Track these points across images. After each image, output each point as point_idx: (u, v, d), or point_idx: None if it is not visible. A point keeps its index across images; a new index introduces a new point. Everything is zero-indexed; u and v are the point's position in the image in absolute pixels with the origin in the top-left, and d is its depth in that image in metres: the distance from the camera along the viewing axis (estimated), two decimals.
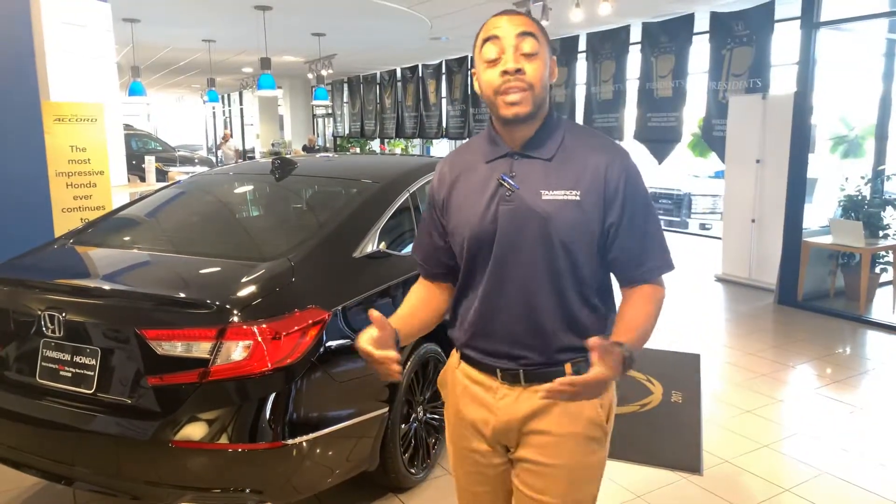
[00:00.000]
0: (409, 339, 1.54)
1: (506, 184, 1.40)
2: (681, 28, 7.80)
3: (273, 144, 17.61)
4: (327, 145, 17.77)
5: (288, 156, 3.70)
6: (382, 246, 2.78)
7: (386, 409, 2.56)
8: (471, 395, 1.51)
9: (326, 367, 2.32)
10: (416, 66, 13.00)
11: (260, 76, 8.39)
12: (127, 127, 13.83)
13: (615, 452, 3.13)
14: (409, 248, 3.01)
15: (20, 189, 5.38)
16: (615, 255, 1.41)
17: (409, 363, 2.74)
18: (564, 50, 9.60)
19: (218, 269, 2.47)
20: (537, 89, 1.35)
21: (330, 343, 2.32)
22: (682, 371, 4.35)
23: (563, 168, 1.39)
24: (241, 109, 21.51)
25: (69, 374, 2.26)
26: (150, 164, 7.79)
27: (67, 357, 2.27)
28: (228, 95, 22.27)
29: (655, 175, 11.66)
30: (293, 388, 2.19)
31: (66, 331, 2.25)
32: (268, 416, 2.14)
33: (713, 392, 4.01)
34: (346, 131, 16.37)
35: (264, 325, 2.13)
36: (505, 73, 1.33)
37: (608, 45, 8.85)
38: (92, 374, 2.22)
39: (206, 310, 2.13)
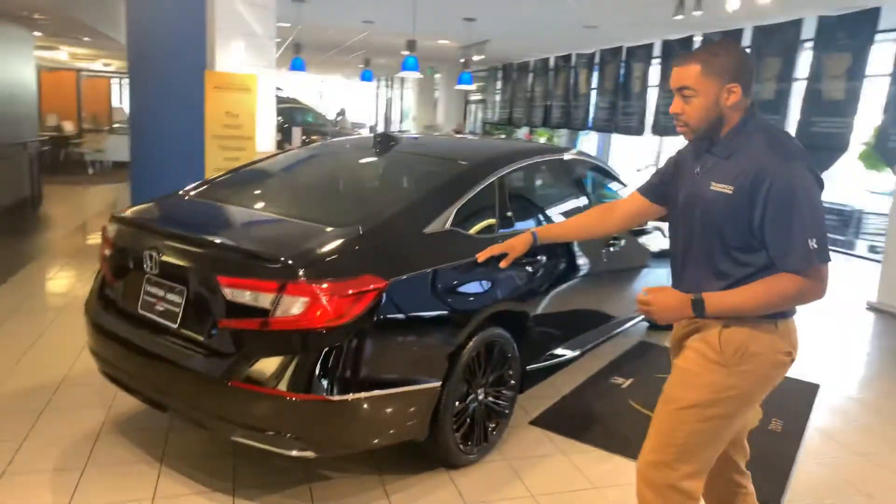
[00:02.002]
0: (557, 238, 2.43)
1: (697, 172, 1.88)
2: (862, 23, 6.93)
3: (425, 128, 18.17)
4: (476, 131, 18.02)
5: (395, 132, 3.83)
6: (456, 225, 2.80)
7: (438, 384, 2.61)
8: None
9: (379, 334, 2.41)
10: (570, 55, 12.74)
11: (405, 58, 8.68)
12: (293, 101, 14.99)
13: None
14: (487, 230, 3.02)
15: (183, 146, 6.09)
16: (765, 242, 1.73)
17: (471, 343, 2.76)
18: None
19: (294, 229, 2.65)
20: (693, 124, 1.82)
21: (385, 311, 2.40)
22: (793, 399, 3.95)
23: (730, 165, 1.78)
24: (402, 92, 22.38)
25: (161, 309, 2.56)
26: (296, 133, 8.41)
27: (161, 293, 2.57)
28: (392, 78, 23.27)
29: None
30: (343, 348, 2.31)
31: (161, 270, 2.55)
32: (316, 370, 2.28)
33: (823, 428, 3.61)
34: (496, 118, 16.46)
35: (321, 285, 2.27)
36: (672, 112, 1.86)
37: (776, 39, 8.09)
38: (178, 310, 2.50)
39: (272, 264, 2.31)
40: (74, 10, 8.14)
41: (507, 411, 3.12)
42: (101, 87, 15.70)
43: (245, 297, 2.33)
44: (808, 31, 7.60)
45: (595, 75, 12.12)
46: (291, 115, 13.80)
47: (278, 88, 17.59)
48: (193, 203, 3.06)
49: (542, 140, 15.32)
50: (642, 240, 4.46)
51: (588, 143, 15.36)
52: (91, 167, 13.22)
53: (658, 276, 4.64)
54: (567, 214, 3.77)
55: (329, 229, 2.54)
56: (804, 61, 7.75)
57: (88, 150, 13.31)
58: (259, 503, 2.58)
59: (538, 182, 3.91)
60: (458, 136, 10.19)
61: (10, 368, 3.69)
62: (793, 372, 4.29)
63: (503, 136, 15.31)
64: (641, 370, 4.25)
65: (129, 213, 2.87)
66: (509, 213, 3.14)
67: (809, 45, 7.59)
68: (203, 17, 6.02)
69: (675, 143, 12.25)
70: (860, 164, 8.19)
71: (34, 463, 2.76)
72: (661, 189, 2.10)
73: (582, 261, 3.66)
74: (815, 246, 1.68)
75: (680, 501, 1.82)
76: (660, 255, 4.59)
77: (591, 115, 12.24)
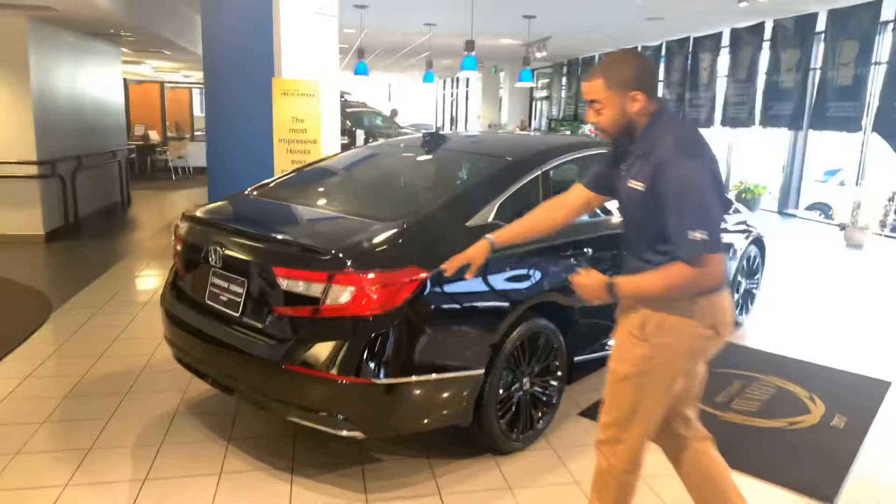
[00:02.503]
0: (513, 239, 2.32)
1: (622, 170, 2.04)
2: None
3: (490, 126, 18.24)
4: (541, 128, 17.93)
5: (443, 132, 3.95)
6: (499, 218, 2.89)
7: (481, 372, 2.71)
8: None
9: (422, 322, 2.54)
10: (636, 48, 12.52)
11: (464, 58, 8.80)
12: (360, 104, 15.39)
13: (737, 463, 2.94)
14: None
15: (253, 150, 6.44)
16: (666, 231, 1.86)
17: (514, 333, 2.84)
18: (798, 30, 8.57)
19: (343, 224, 2.82)
20: (609, 130, 2.00)
21: (428, 300, 2.53)
22: (860, 396, 3.81)
23: (643, 163, 1.91)
24: (467, 92, 22.53)
25: (225, 299, 2.78)
26: (359, 136, 8.67)
27: (225, 284, 2.79)
28: (456, 78, 23.46)
29: None
30: (388, 334, 2.45)
31: (224, 263, 2.77)
32: (362, 355, 2.43)
33: (891, 426, 3.47)
34: (561, 114, 16.35)
35: (366, 276, 2.42)
36: (589, 121, 2.06)
37: (852, 22, 7.71)
38: (239, 300, 2.71)
39: (322, 256, 2.47)
40: (156, 26, 8.72)
41: (553, 401, 3.18)
42: (182, 98, 16.63)
43: (298, 286, 2.51)
44: (888, 12, 7.21)
45: (661, 67, 11.87)
46: (360, 118, 14.17)
47: (346, 93, 18.08)
48: (254, 201, 3.29)
49: None
50: None
51: None
52: (174, 173, 14.05)
53: None
54: (614, 207, 3.78)
55: (376, 224, 2.69)
56: (884, 45, 7.35)
57: (172, 157, 14.15)
58: (315, 481, 2.75)
59: (583, 175, 3.94)
60: (521, 132, 10.21)
61: (100, 355, 4.05)
62: (863, 368, 4.18)
63: (568, 132, 15.19)
64: None
65: (197, 211, 3.12)
66: None
67: (889, 27, 7.21)
68: (270, 27, 6.34)
69: (747, 135, 11.82)
70: None
71: (118, 438, 3.05)
72: (605, 181, 2.19)
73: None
74: (703, 237, 1.78)
75: (626, 459, 2.04)
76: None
77: None
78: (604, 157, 2.24)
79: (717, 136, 12.83)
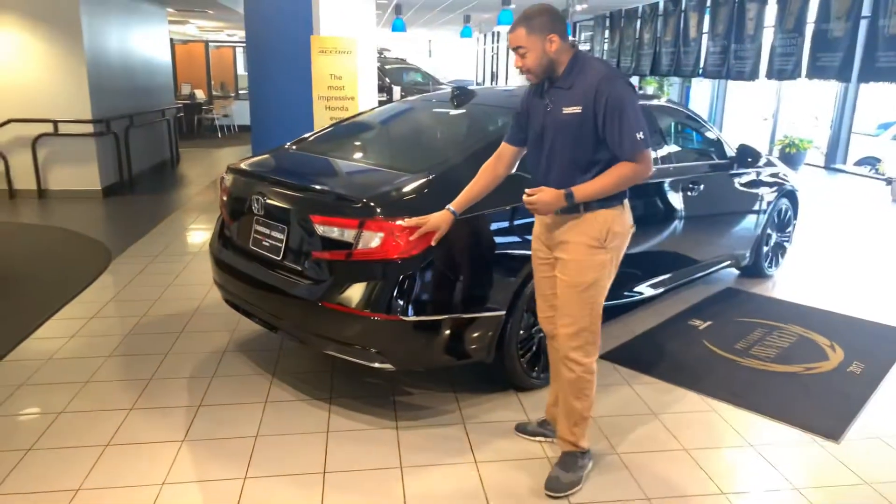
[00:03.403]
0: (469, 203, 2.66)
1: (548, 105, 2.38)
2: None
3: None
4: None
5: (471, 87, 4.07)
6: (522, 170, 3.03)
7: (503, 313, 2.91)
8: (540, 218, 2.53)
9: (445, 265, 2.73)
10: None
11: (500, 12, 8.75)
12: (400, 61, 15.41)
13: (747, 403, 3.09)
14: None
15: (294, 107, 6.67)
16: (606, 141, 2.27)
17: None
18: None
19: (374, 175, 3.02)
20: (534, 71, 2.33)
21: (451, 245, 2.72)
22: (882, 345, 3.88)
23: (572, 93, 2.31)
24: (508, 47, 22.18)
25: (268, 244, 3.02)
26: (396, 92, 8.80)
27: (267, 231, 3.03)
28: (497, 33, 23.10)
29: None
30: (414, 276, 2.66)
31: (266, 211, 3.01)
32: (392, 294, 2.64)
33: None
34: None
35: (394, 222, 2.61)
36: (516, 66, 2.36)
37: None
38: (281, 245, 2.95)
39: (354, 205, 2.68)
40: None
41: None
42: (226, 57, 16.92)
43: (333, 232, 2.72)
44: None
45: (706, 18, 11.52)
46: (399, 74, 14.23)
47: (385, 49, 18.06)
48: (293, 155, 3.51)
49: (651, 89, 14.81)
50: (739, 186, 4.45)
51: (701, 90, 14.66)
52: (220, 131, 14.45)
53: (746, 224, 4.61)
54: None
55: (405, 175, 2.87)
56: None
57: (217, 116, 14.53)
58: (351, 409, 3.02)
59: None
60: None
61: (155, 299, 4.40)
62: (888, 319, 4.22)
63: None
64: (722, 314, 4.31)
65: (241, 164, 3.35)
66: None
67: None
68: None
69: (793, 87, 11.45)
70: None
71: (175, 371, 3.38)
72: (522, 134, 2.57)
73: (654, 204, 3.78)
74: (642, 137, 2.23)
75: (594, 351, 2.46)
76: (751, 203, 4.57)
77: (703, 60, 11.70)
78: (518, 115, 2.57)
79: (762, 89, 12.49)
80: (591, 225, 2.34)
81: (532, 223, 3.03)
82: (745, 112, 14.45)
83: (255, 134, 7.53)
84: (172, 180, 9.36)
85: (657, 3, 13.11)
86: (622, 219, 2.40)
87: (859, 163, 11.14)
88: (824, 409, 3.14)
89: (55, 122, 7.41)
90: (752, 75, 10.34)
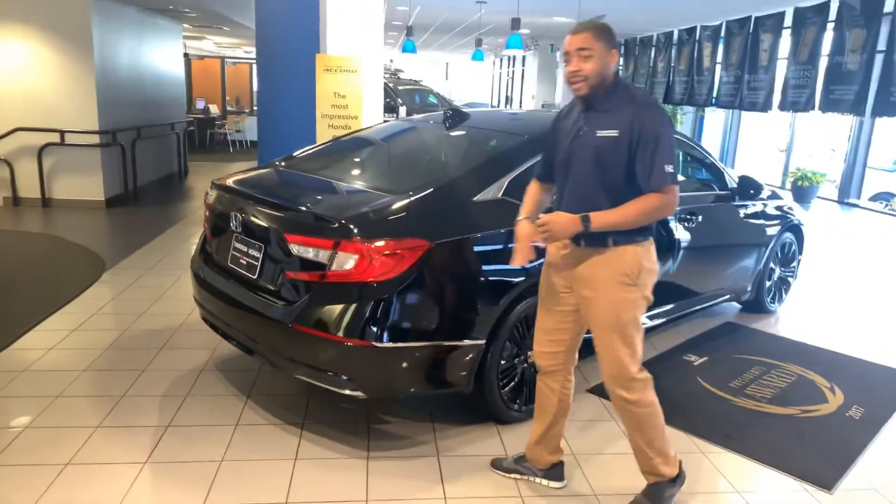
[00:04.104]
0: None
1: (582, 127, 2.29)
2: None
3: (542, 105, 18.05)
4: None
5: (465, 109, 4.01)
6: (509, 195, 2.95)
7: (482, 342, 2.80)
8: (555, 248, 2.42)
9: (423, 291, 2.64)
10: (695, 27, 12.14)
11: (509, 36, 8.75)
12: (413, 82, 15.49)
13: (739, 446, 2.95)
14: None
15: (299, 125, 6.65)
16: (633, 170, 2.19)
17: (519, 306, 2.92)
18: (865, 9, 8.14)
19: (355, 195, 2.95)
20: (591, 79, 2.21)
21: (429, 270, 2.63)
22: (884, 389, 3.72)
23: (609, 116, 2.23)
24: (523, 71, 22.31)
25: (245, 263, 2.95)
26: (402, 112, 8.78)
27: (245, 249, 2.96)
28: (513, 58, 23.24)
29: None
30: (389, 301, 2.57)
31: (244, 228, 2.94)
32: (363, 319, 2.55)
33: None
34: None
35: (369, 244, 2.53)
36: (569, 71, 2.24)
37: None
38: (257, 263, 2.88)
39: (330, 225, 2.60)
40: (213, 3, 9.02)
41: None
42: (242, 73, 17.14)
43: (308, 252, 2.65)
44: None
45: (720, 48, 11.48)
46: (411, 95, 14.29)
47: (399, 70, 18.17)
48: (280, 172, 3.45)
49: None
50: (740, 219, 4.35)
51: (714, 120, 14.56)
52: (232, 146, 14.55)
53: (748, 257, 4.49)
54: None
55: (386, 196, 2.80)
56: None
57: (230, 130, 14.64)
58: (323, 436, 2.92)
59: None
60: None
61: (142, 313, 4.34)
62: (890, 360, 4.05)
63: None
64: (720, 350, 4.17)
65: (224, 179, 3.30)
66: None
67: None
68: (317, 4, 6.49)
69: (807, 119, 11.34)
70: None
71: (149, 388, 3.30)
72: (549, 169, 2.48)
73: (656, 234, 3.66)
74: (671, 170, 2.17)
75: (642, 386, 2.37)
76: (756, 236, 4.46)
77: (716, 90, 11.63)
78: (546, 152, 2.51)
79: (775, 121, 12.38)
80: (621, 260, 2.25)
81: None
82: (759, 143, 14.31)
83: (261, 149, 7.50)
84: (178, 193, 9.38)
85: (672, 32, 13.10)
86: (651, 255, 2.31)
87: (874, 198, 10.95)
88: (819, 455, 2.99)
89: (62, 132, 7.46)
90: (765, 106, 10.25)
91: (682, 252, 3.84)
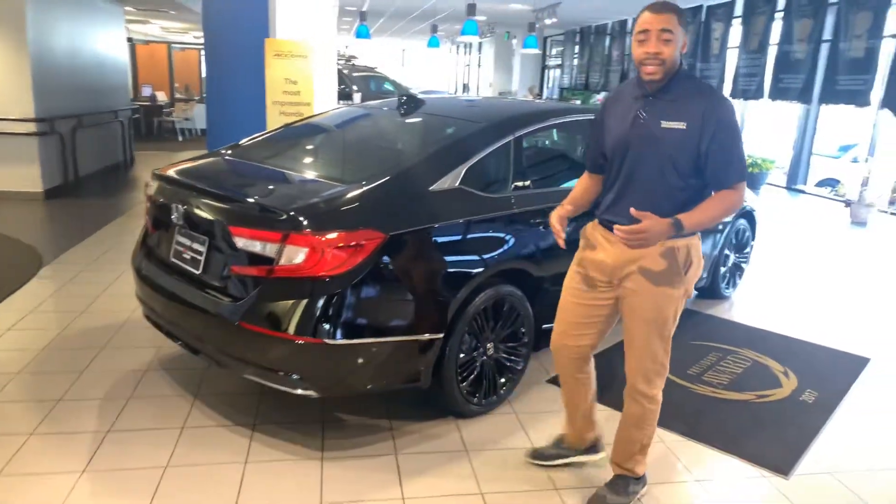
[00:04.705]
0: (580, 210, 2.45)
1: (640, 115, 2.16)
2: None
3: (500, 93, 18.00)
4: (553, 96, 17.68)
5: (421, 95, 3.90)
6: (467, 184, 2.86)
7: (440, 336, 2.72)
8: (600, 243, 2.31)
9: (378, 284, 2.54)
10: None
11: (465, 22, 8.64)
12: (368, 69, 15.23)
13: (697, 434, 2.95)
14: (498, 189, 3.07)
15: (248, 112, 6.42)
16: (707, 166, 2.10)
17: (477, 299, 2.84)
18: (811, 0, 8.31)
19: (304, 185, 2.81)
20: (668, 63, 2.09)
21: (384, 263, 2.53)
22: (835, 372, 3.79)
23: (676, 106, 2.12)
24: (480, 58, 22.21)
25: (188, 257, 2.79)
26: (357, 99, 8.60)
27: (188, 243, 2.80)
28: (469, 45, 23.11)
29: None
30: (342, 296, 2.46)
31: (187, 221, 2.78)
32: (316, 315, 2.44)
33: (863, 402, 3.45)
34: (573, 83, 16.09)
35: (320, 237, 2.41)
36: (647, 52, 2.09)
37: None
38: (201, 258, 2.72)
39: (277, 217, 2.47)
40: None
41: (519, 367, 3.18)
42: (191, 59, 16.57)
43: (254, 246, 2.51)
44: None
45: None
46: (367, 82, 14.02)
47: (353, 56, 17.85)
48: (225, 161, 3.28)
49: None
50: None
51: None
52: (181, 134, 14.07)
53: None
54: None
55: (337, 186, 2.68)
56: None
57: (178, 119, 14.15)
58: (274, 437, 2.80)
59: (562, 143, 3.89)
60: (524, 99, 10.04)
61: (82, 311, 4.11)
62: (845, 345, 4.14)
63: (578, 101, 14.98)
64: (677, 336, 4.02)
65: (166, 170, 3.11)
66: (525, 173, 3.16)
67: None
68: None
69: (756, 107, 11.56)
70: None
71: (88, 391, 3.11)
72: (603, 160, 2.35)
73: None
74: (744, 164, 2.16)
75: (661, 384, 2.36)
76: None
77: None
78: (594, 141, 2.41)
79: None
80: (671, 256, 2.17)
81: (478, 239, 2.87)
82: None
83: (210, 137, 7.25)
84: (123, 183, 9.00)
85: (626, 20, 13.18)
86: (699, 249, 2.25)
87: (820, 184, 11.27)
88: (775, 440, 3.01)
89: None
90: None
91: None
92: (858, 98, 7.61)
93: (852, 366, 3.89)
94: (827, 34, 8.21)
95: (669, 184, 2.14)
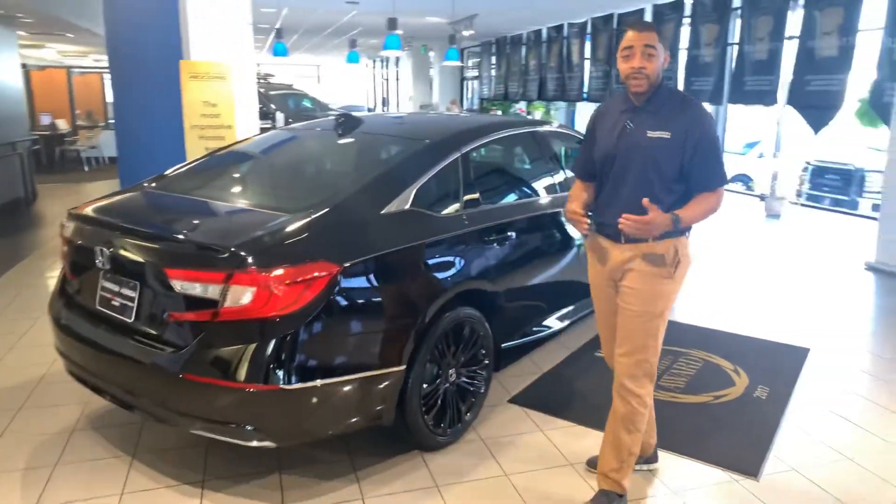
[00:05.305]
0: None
1: (627, 126, 2.34)
2: None
3: (421, 107, 18.00)
4: (473, 108, 17.83)
5: (357, 113, 3.75)
6: (418, 205, 2.74)
7: (402, 368, 2.57)
8: (600, 247, 2.46)
9: (334, 320, 2.37)
10: (562, 25, 12.52)
11: (386, 37, 8.54)
12: (286, 86, 14.86)
13: (664, 442, 2.92)
14: (450, 208, 2.96)
15: (165, 138, 6.05)
16: (692, 173, 2.29)
17: (437, 325, 2.71)
18: (716, 6, 8.71)
19: (244, 217, 2.61)
20: (651, 77, 2.27)
21: (340, 296, 2.36)
22: (781, 365, 3.89)
23: (659, 117, 2.29)
24: (398, 72, 22.16)
25: (117, 304, 2.53)
26: (280, 119, 8.33)
27: (116, 288, 2.53)
28: (387, 59, 23.04)
29: (819, 146, 10.35)
30: (297, 336, 2.27)
31: (114, 265, 2.51)
32: (267, 360, 2.24)
33: (810, 393, 3.54)
34: (492, 94, 16.28)
35: (268, 274, 2.22)
36: (632, 67, 2.26)
37: None
38: (132, 304, 2.47)
39: (218, 254, 2.26)
40: (54, 7, 8.07)
41: (481, 390, 3.08)
42: (93, 83, 15.66)
43: (195, 288, 2.29)
44: None
45: (587, 45, 11.92)
46: (285, 100, 13.65)
47: (270, 75, 17.41)
48: (150, 195, 3.01)
49: (538, 114, 15.15)
50: None
51: (586, 114, 15.15)
52: (87, 164, 13.22)
53: None
54: (541, 188, 3.69)
55: (281, 216, 2.49)
56: (796, 19, 7.55)
57: (83, 147, 13.30)
58: (228, 494, 2.56)
59: (508, 157, 3.84)
60: (448, 113, 10.04)
61: None
62: (783, 337, 4.27)
63: (499, 112, 15.15)
64: None
65: (83, 208, 2.82)
66: (476, 190, 3.07)
67: (801, 1, 7.39)
68: (176, 4, 5.93)
69: None
70: (857, 122, 8.02)
71: (6, 461, 2.76)
72: (592, 166, 2.49)
73: (554, 234, 3.60)
74: (725, 171, 2.34)
75: (649, 382, 2.42)
76: None
77: (587, 85, 12.06)
78: (583, 150, 2.56)
79: None
80: (664, 253, 2.31)
81: (434, 263, 2.75)
82: None
83: (122, 167, 6.80)
84: (26, 221, 8.32)
85: (541, 30, 13.45)
86: (687, 248, 2.40)
87: (733, 179, 11.83)
88: (738, 441, 3.03)
89: None
90: None
91: (583, 249, 3.80)
92: (766, 98, 8.00)
93: (795, 357, 4.01)
94: (733, 38, 8.61)
95: (655, 189, 2.28)
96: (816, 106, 7.23)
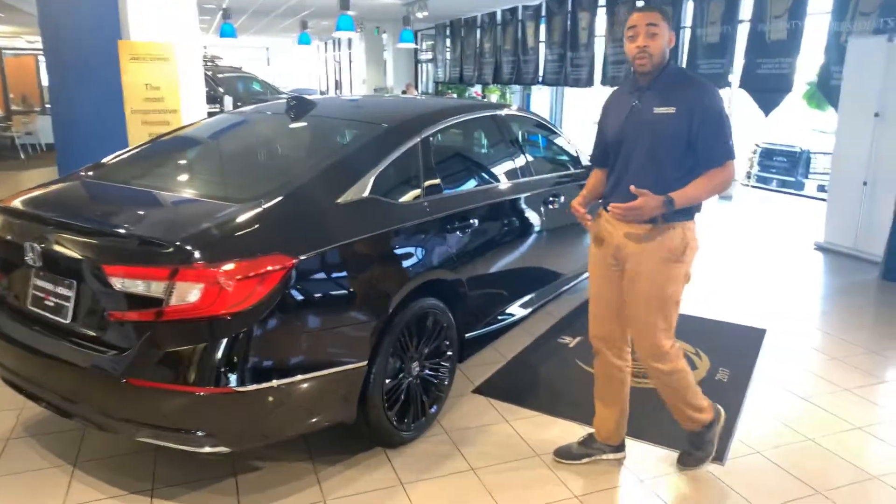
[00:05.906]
0: (593, 197, 2.64)
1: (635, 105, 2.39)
2: None
3: (375, 90, 17.69)
4: (428, 91, 17.63)
5: (311, 96, 3.58)
6: (377, 193, 2.61)
7: (364, 363, 2.46)
8: (603, 226, 2.50)
9: (290, 316, 2.23)
10: (517, 7, 12.42)
11: (339, 17, 8.29)
12: (234, 69, 14.39)
13: (631, 430, 2.89)
14: (411, 196, 2.84)
15: (105, 123, 5.72)
16: (697, 146, 2.30)
17: (398, 317, 2.60)
18: None
19: (190, 208, 2.44)
20: (656, 55, 2.31)
21: (295, 291, 2.23)
22: (740, 347, 3.93)
23: (665, 94, 2.33)
24: (350, 54, 21.73)
25: (52, 304, 2.33)
26: (228, 102, 8.03)
27: (51, 287, 2.34)
28: (339, 41, 22.57)
29: (767, 128, 10.57)
30: (250, 334, 2.13)
31: (47, 262, 2.32)
32: (219, 361, 2.10)
33: (769, 374, 3.58)
34: (447, 77, 16.11)
35: (217, 269, 2.07)
36: (637, 46, 2.31)
37: None
38: (69, 304, 2.28)
39: (162, 249, 2.10)
40: None
41: (445, 382, 2.99)
42: (28, 66, 14.83)
43: (137, 286, 2.12)
44: None
45: (542, 28, 11.86)
46: (233, 84, 13.20)
47: (218, 57, 16.83)
48: (86, 185, 2.80)
49: (494, 97, 15.06)
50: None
51: (541, 97, 15.15)
52: (23, 151, 12.55)
53: None
54: (502, 174, 3.60)
55: (230, 206, 2.33)
56: (747, 2, 7.64)
57: (19, 134, 12.61)
58: (179, 502, 2.41)
59: (468, 141, 3.73)
60: (407, 96, 9.86)
61: None
62: (739, 318, 4.31)
63: (454, 95, 15.00)
64: (582, 331, 4.15)
65: (10, 201, 2.60)
66: (436, 176, 2.96)
67: None
68: None
69: None
70: (805, 104, 8.20)
71: None
72: (606, 153, 2.52)
73: (517, 221, 3.53)
74: (731, 144, 2.32)
75: (675, 356, 2.48)
76: None
77: (542, 68, 12.03)
78: (598, 133, 2.57)
79: (597, 96, 13.11)
80: (668, 238, 2.34)
81: (396, 253, 2.63)
82: (585, 118, 15.13)
83: (60, 154, 6.43)
84: None
85: (495, 12, 13.33)
86: (694, 232, 2.43)
87: None
88: None
89: None
90: (588, 82, 10.76)
91: (545, 234, 3.75)
92: (719, 81, 8.08)
93: (752, 338, 4.06)
94: (685, 21, 8.67)
95: (662, 165, 2.31)
96: (767, 89, 7.35)
